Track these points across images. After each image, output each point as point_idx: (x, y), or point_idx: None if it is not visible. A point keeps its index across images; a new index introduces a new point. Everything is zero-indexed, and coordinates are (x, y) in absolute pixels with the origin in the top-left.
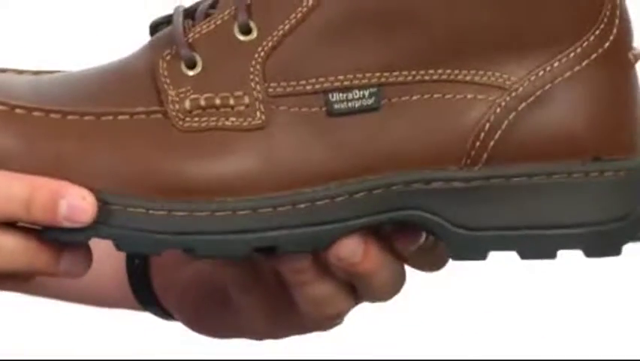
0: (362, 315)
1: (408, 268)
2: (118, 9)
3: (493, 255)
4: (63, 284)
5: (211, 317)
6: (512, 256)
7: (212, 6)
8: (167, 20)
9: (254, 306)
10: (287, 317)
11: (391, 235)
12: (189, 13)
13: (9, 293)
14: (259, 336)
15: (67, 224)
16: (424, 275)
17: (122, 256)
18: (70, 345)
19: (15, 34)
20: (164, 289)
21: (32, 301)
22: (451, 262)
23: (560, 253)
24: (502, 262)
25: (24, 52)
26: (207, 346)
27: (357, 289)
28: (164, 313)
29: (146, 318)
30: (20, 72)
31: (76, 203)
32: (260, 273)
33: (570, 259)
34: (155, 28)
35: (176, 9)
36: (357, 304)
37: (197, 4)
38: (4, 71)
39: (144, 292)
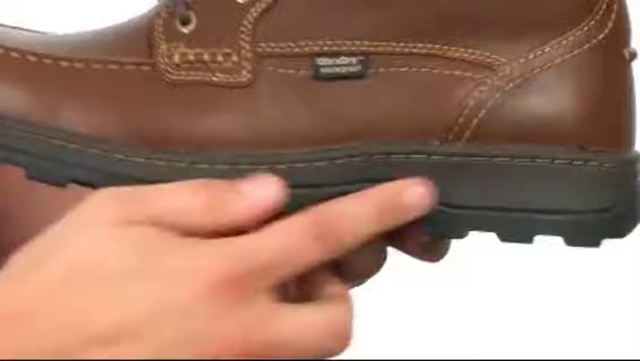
0: (362, 315)
1: (408, 269)
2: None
3: (492, 257)
4: None
5: None
6: (512, 255)
7: None
8: None
9: None
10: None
11: (394, 232)
12: None
13: None
14: None
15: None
16: (424, 275)
17: None
18: None
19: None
20: None
21: None
22: (451, 262)
23: (552, 248)
24: (502, 261)
25: None
26: None
27: (341, 269)
28: None
29: None
30: (28, 30)
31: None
32: None
33: (570, 259)
34: None
35: None
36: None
37: None
38: (13, 27)
39: None
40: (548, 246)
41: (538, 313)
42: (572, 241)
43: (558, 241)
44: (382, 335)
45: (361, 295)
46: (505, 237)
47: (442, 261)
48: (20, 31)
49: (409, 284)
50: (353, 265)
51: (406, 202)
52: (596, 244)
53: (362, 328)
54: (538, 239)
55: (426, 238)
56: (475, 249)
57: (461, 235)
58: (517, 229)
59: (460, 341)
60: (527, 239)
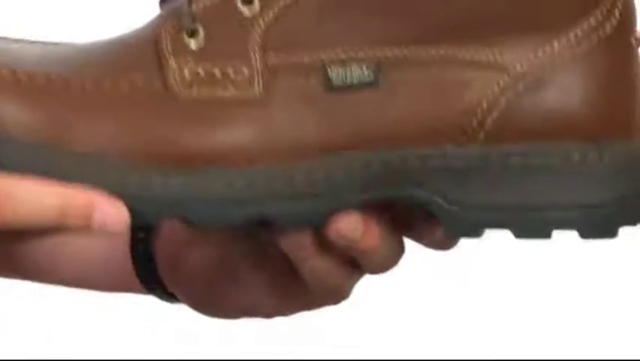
0: (362, 315)
1: (407, 269)
2: None
3: (492, 252)
4: (62, 267)
5: (220, 297)
6: (512, 256)
7: None
8: None
9: (262, 283)
10: (295, 293)
11: (407, 226)
12: None
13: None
14: (268, 314)
15: (99, 232)
16: (423, 276)
17: (123, 238)
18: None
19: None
20: (171, 272)
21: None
22: (450, 263)
23: (558, 238)
24: (502, 262)
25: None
26: (207, 346)
27: (359, 262)
28: (167, 296)
29: (145, 319)
30: (33, 42)
31: (110, 213)
32: (267, 250)
33: (569, 260)
34: (163, 1)
35: None
36: (361, 276)
37: None
38: (17, 41)
39: (148, 276)
40: (547, 244)
41: (537, 313)
42: (589, 234)
43: (573, 234)
44: (382, 335)
45: (361, 296)
46: (521, 234)
47: (441, 261)
48: (24, 44)
49: (409, 284)
50: (369, 258)
51: (95, 219)
52: (612, 234)
53: (361, 326)
54: (555, 234)
55: (440, 235)
56: (474, 248)
57: (478, 234)
58: (533, 226)
59: (460, 341)
60: (544, 235)
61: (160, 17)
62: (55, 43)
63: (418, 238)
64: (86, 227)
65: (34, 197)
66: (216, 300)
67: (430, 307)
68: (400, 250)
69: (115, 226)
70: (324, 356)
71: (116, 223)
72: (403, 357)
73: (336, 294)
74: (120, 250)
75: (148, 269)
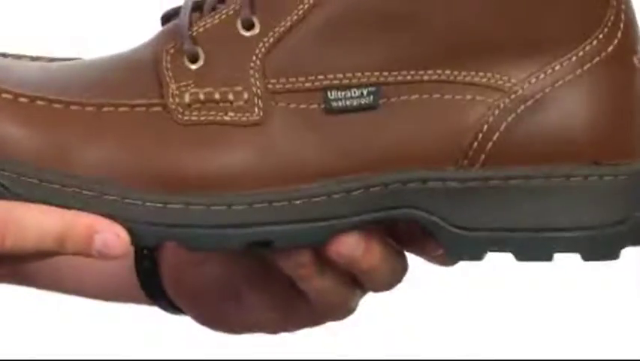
0: (361, 315)
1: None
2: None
3: (490, 257)
4: (61, 275)
5: (223, 314)
6: (510, 256)
7: (221, 0)
8: (177, 12)
9: (266, 301)
10: (298, 310)
11: (409, 242)
12: (198, 6)
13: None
14: (273, 330)
15: (99, 258)
16: (423, 276)
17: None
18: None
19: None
20: (176, 289)
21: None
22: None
23: (557, 256)
24: (501, 263)
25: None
26: (208, 347)
27: (360, 280)
28: (173, 308)
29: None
30: (35, 59)
31: (111, 239)
32: (270, 268)
33: (569, 260)
34: (166, 19)
35: (186, 1)
36: (364, 293)
37: None
38: (19, 57)
39: (153, 289)
40: None
41: (537, 313)
42: (590, 256)
43: (575, 257)
44: (381, 335)
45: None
46: (522, 257)
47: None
48: (24, 62)
49: (409, 285)
50: (371, 276)
51: (95, 244)
52: (614, 256)
53: (361, 328)
54: (556, 257)
55: (442, 254)
56: None
57: (479, 257)
58: (534, 248)
59: (460, 341)
60: (545, 257)
61: (161, 36)
62: (56, 60)
63: (419, 254)
64: (86, 252)
65: (34, 223)
66: (220, 316)
67: (430, 307)
68: (403, 267)
69: (115, 252)
70: (323, 356)
71: (115, 249)
72: (403, 357)
73: (340, 311)
74: (125, 265)
75: (153, 283)
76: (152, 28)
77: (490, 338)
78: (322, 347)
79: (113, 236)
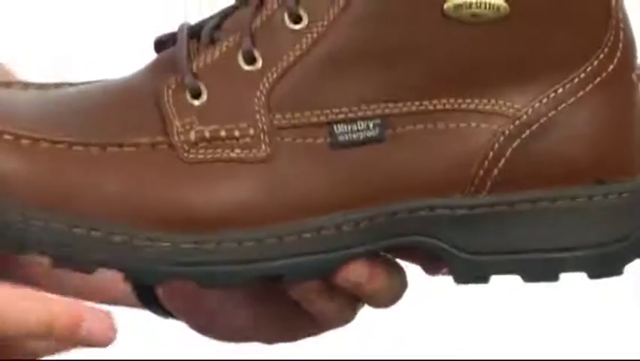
0: (361, 315)
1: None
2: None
3: None
4: (61, 279)
5: (222, 325)
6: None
7: (218, 26)
8: (172, 38)
9: (266, 314)
10: (298, 323)
11: (413, 259)
12: (194, 32)
13: None
14: (271, 341)
15: (85, 345)
16: (422, 276)
17: None
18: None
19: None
20: (170, 299)
21: None
22: None
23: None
24: None
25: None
26: (207, 347)
27: (364, 300)
28: (165, 313)
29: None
30: (25, 86)
31: (97, 328)
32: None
33: None
34: (159, 45)
35: (181, 27)
36: (363, 306)
37: (202, 22)
38: (9, 85)
39: (147, 296)
40: None
41: (537, 314)
42: (597, 273)
43: (582, 275)
44: (382, 335)
45: None
46: (529, 278)
47: None
48: (20, 94)
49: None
50: (374, 298)
51: (82, 332)
52: (619, 272)
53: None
54: (563, 276)
55: (447, 271)
56: None
57: (485, 280)
58: (541, 269)
59: (460, 341)
60: (552, 278)
61: (159, 68)
62: (46, 86)
63: (422, 268)
64: (73, 340)
65: (20, 314)
66: (217, 328)
67: (429, 307)
68: (404, 285)
69: (101, 340)
70: (323, 356)
71: (102, 337)
72: (403, 357)
73: (339, 324)
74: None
75: (146, 289)
76: (138, 47)
77: (489, 338)
78: (322, 347)
79: (99, 325)
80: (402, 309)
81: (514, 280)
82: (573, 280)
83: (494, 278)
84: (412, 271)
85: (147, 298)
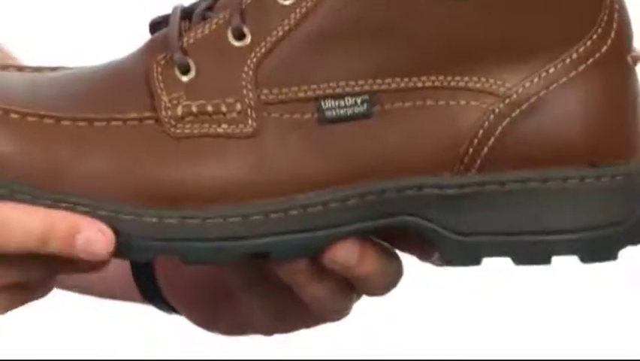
0: (361, 316)
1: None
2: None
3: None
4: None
5: (219, 315)
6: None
7: (210, 7)
8: (166, 20)
9: (261, 303)
10: (294, 312)
11: (405, 245)
12: (187, 14)
13: None
14: (269, 332)
15: (84, 256)
16: (423, 276)
17: None
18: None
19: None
20: (170, 288)
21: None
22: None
23: (555, 259)
24: (499, 262)
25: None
26: (207, 346)
27: (355, 286)
28: (168, 307)
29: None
30: (21, 68)
31: (94, 237)
32: (264, 271)
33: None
34: (154, 27)
35: (174, 9)
36: (359, 297)
37: (195, 5)
38: (5, 67)
39: (149, 290)
40: None
41: (536, 313)
42: (589, 257)
43: (573, 259)
44: (382, 335)
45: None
46: (520, 261)
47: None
48: (13, 74)
49: (409, 285)
50: (367, 282)
51: (77, 242)
52: (612, 257)
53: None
54: (555, 260)
55: (439, 261)
56: None
57: (477, 261)
58: (532, 251)
59: (459, 341)
60: (544, 261)
61: (150, 46)
62: (42, 69)
63: (414, 255)
64: (69, 251)
65: (18, 223)
66: (213, 317)
67: (429, 307)
68: (399, 271)
69: (98, 249)
70: (323, 356)
71: (99, 245)
72: (403, 357)
73: (335, 314)
74: (120, 263)
75: (148, 282)
76: (137, 33)
77: (489, 338)
78: (322, 347)
79: (96, 233)
80: (401, 308)
81: (513, 278)
82: (568, 269)
83: (493, 276)
84: (412, 271)
85: (150, 292)
